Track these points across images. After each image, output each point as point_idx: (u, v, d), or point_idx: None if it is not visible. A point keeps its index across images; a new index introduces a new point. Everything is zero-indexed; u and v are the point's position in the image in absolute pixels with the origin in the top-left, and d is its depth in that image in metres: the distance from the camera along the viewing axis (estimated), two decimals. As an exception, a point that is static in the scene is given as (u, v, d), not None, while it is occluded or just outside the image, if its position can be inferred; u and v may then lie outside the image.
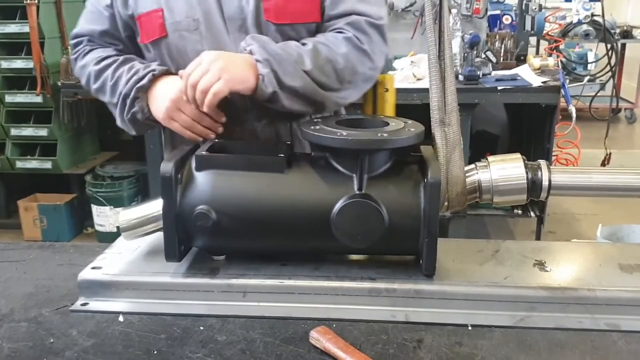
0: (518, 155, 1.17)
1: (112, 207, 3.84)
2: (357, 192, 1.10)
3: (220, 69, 1.22)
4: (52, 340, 1.02)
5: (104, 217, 3.86)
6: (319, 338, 0.98)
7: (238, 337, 1.02)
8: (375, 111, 1.50)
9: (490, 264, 1.19)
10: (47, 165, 3.95)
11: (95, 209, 3.90)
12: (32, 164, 3.97)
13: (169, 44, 1.38)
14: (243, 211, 1.11)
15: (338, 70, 1.31)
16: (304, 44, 1.32)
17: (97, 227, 3.95)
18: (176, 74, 1.32)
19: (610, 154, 4.22)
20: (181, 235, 1.13)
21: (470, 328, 1.04)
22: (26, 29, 3.72)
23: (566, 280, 1.15)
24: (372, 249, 1.13)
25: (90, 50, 1.48)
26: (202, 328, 1.05)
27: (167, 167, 1.10)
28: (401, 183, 1.12)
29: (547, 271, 1.17)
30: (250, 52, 1.27)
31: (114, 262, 1.21)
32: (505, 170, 1.15)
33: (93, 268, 1.19)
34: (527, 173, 1.14)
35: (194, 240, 1.16)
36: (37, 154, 3.98)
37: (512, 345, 1.00)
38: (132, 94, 1.34)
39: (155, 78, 1.33)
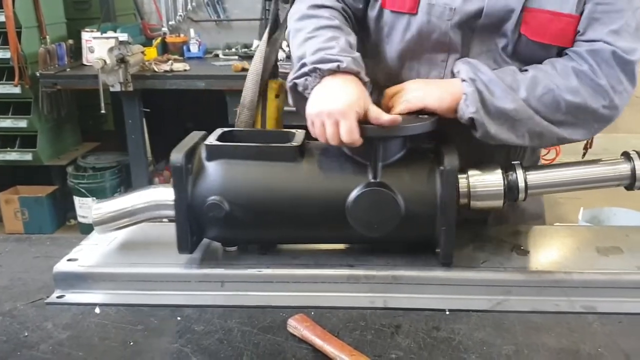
0: (496, 163, 1.17)
1: (94, 198, 3.79)
2: (372, 180, 1.08)
3: (418, 89, 1.18)
4: (26, 334, 1.01)
5: (87, 208, 3.81)
6: (297, 326, 0.98)
7: (216, 327, 1.02)
8: (264, 117, 1.49)
9: (469, 249, 1.19)
10: (28, 157, 3.89)
11: (77, 200, 3.86)
12: (12, 155, 3.90)
13: (409, 25, 1.24)
14: (256, 201, 1.10)
15: (561, 102, 1.16)
16: (523, 71, 1.20)
17: (80, 219, 3.91)
18: (364, 81, 1.16)
19: (592, 138, 4.24)
20: (193, 226, 1.11)
21: (447, 313, 1.05)
22: (2, 18, 3.63)
23: (543, 263, 1.16)
24: (388, 238, 1.11)
25: None
26: (179, 318, 1.04)
27: (177, 157, 1.08)
28: (416, 171, 1.10)
29: (524, 255, 1.18)
30: (458, 72, 1.19)
31: (90, 253, 1.20)
32: (482, 175, 1.14)
33: (69, 260, 1.17)
34: (504, 178, 1.14)
35: (205, 231, 1.14)
36: (17, 145, 3.91)
37: (489, 329, 1.00)
38: (307, 68, 1.14)
39: (338, 71, 1.13)
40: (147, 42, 4.08)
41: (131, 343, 0.98)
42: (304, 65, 1.15)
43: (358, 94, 1.10)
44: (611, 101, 1.18)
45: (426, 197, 1.08)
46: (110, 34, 3.57)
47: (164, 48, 4.13)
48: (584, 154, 4.30)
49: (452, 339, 0.97)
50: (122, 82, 3.39)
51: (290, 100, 1.23)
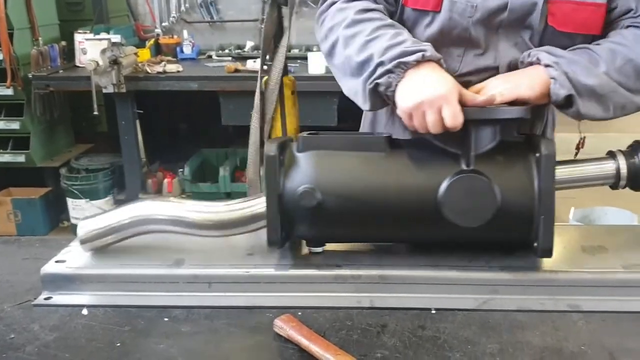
0: None
1: (87, 199, 3.79)
2: (466, 168, 1.07)
3: (506, 81, 1.18)
4: (12, 336, 1.01)
5: (80, 210, 3.81)
6: (283, 326, 0.98)
7: (202, 328, 1.02)
8: (283, 113, 1.50)
9: (455, 247, 1.20)
10: (21, 158, 3.88)
11: (70, 202, 3.85)
12: (5, 157, 3.89)
13: (432, 22, 1.27)
14: (348, 190, 1.09)
15: None
16: (596, 45, 1.22)
17: (73, 221, 3.89)
18: (444, 67, 1.16)
19: (584, 137, 4.24)
20: (283, 219, 1.10)
21: (434, 312, 1.05)
22: (-6, 20, 3.64)
23: (529, 262, 1.16)
24: (483, 231, 1.07)
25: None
26: (166, 319, 1.05)
27: (271, 147, 1.09)
28: (511, 158, 1.09)
29: (511, 254, 1.18)
30: (537, 60, 1.18)
31: (78, 255, 1.20)
32: None
33: (57, 262, 1.17)
34: None
35: (295, 224, 1.12)
36: (10, 147, 3.90)
37: (474, 327, 1.01)
38: (389, 65, 1.13)
39: (422, 61, 1.12)
40: (141, 44, 4.08)
41: (118, 344, 0.98)
42: (381, 64, 1.14)
43: (452, 79, 1.12)
44: None
45: (522, 184, 1.06)
46: (103, 35, 3.58)
47: (157, 49, 4.12)
48: (576, 154, 4.31)
49: (437, 337, 0.98)
50: (115, 84, 3.38)
51: (365, 105, 1.22)
